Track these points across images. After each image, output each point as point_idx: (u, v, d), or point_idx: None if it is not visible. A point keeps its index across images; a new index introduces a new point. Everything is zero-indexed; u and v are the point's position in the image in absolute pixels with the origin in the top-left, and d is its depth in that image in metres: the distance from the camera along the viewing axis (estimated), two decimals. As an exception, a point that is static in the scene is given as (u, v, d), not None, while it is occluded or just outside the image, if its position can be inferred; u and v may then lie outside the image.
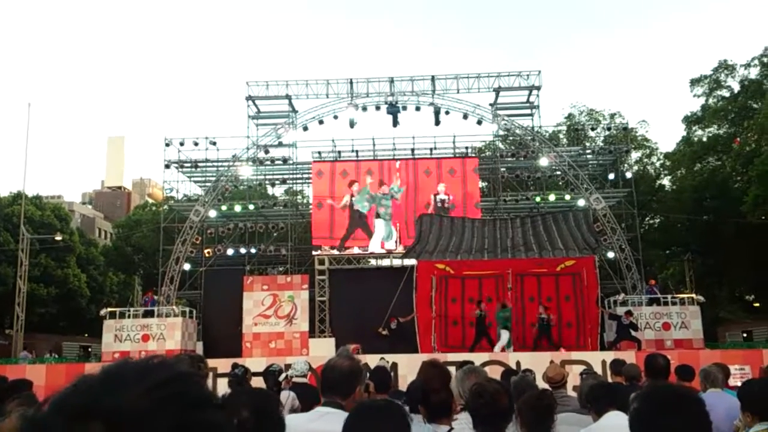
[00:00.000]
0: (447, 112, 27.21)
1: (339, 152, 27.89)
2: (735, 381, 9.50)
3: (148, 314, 23.12)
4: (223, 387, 10.80)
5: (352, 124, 27.39)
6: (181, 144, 27.59)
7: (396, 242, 26.02)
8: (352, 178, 26.63)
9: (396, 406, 2.61)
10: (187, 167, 28.06)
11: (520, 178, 28.05)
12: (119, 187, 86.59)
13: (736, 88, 37.92)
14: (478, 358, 13.78)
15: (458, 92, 27.81)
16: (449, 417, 3.47)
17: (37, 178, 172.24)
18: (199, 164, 27.88)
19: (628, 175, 28.37)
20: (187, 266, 26.89)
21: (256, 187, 31.50)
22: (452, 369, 4.18)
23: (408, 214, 25.98)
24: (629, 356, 13.63)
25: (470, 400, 3.35)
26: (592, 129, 34.71)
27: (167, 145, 27.60)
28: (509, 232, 22.54)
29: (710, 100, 38.66)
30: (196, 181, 29.95)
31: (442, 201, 26.32)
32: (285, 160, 27.91)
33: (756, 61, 36.68)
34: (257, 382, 8.63)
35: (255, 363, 12.74)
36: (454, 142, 27.95)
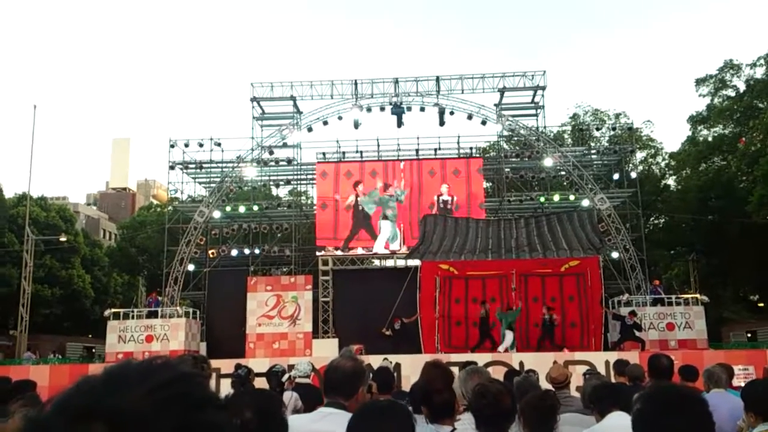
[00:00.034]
0: (451, 113, 27.20)
1: (343, 153, 27.91)
2: (739, 381, 9.48)
3: (152, 315, 23.22)
4: (226, 388, 10.81)
5: (356, 125, 27.39)
6: (186, 145, 27.68)
7: (400, 243, 26.02)
8: (357, 179, 26.64)
9: (400, 406, 2.61)
10: (192, 168, 28.14)
11: (525, 179, 28.04)
12: (124, 189, 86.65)
13: (742, 87, 37.80)
14: (481, 358, 13.78)
15: (463, 92, 27.85)
16: (452, 417, 3.46)
17: (42, 179, 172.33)
18: (204, 165, 27.93)
19: (633, 175, 28.26)
20: (191, 267, 26.93)
21: (261, 188, 31.57)
22: (455, 369, 4.19)
23: (412, 215, 25.97)
24: (633, 356, 13.55)
25: (473, 401, 3.35)
26: (597, 129, 34.64)
27: (172, 146, 27.69)
28: (513, 232, 22.51)
29: (716, 100, 38.54)
30: (200, 182, 30.01)
31: (445, 202, 26.30)
32: (289, 161, 27.93)
33: (762, 61, 36.53)
34: (260, 383, 8.61)
35: (258, 363, 12.77)
36: (458, 143, 27.97)
